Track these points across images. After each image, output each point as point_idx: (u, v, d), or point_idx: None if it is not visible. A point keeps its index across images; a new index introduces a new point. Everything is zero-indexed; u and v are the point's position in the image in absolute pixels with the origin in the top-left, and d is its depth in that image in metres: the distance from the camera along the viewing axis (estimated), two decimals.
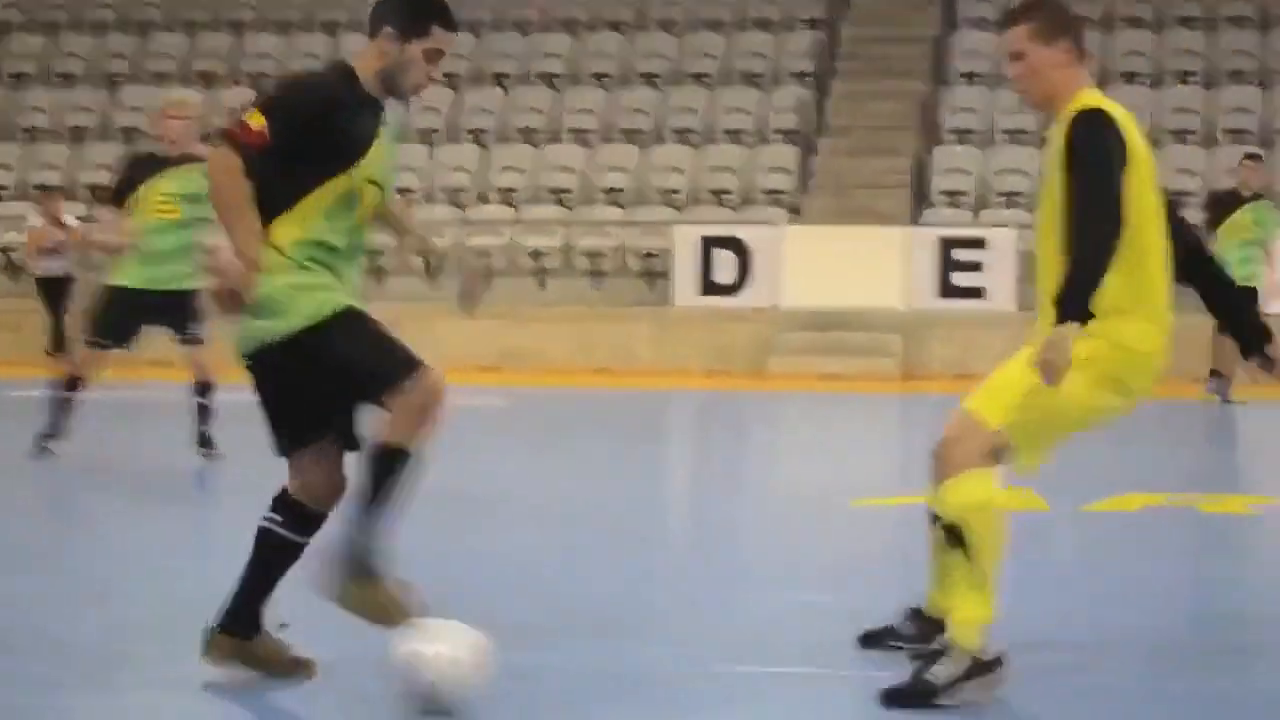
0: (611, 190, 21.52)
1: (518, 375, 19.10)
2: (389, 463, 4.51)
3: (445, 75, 23.02)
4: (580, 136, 21.94)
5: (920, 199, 21.30)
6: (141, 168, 9.74)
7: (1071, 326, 4.61)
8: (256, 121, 4.37)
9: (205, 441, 9.81)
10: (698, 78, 23.22)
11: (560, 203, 21.40)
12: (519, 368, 19.36)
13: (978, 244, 19.50)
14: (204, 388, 9.67)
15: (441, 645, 4.44)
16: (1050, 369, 4.57)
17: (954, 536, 4.79)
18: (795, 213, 21.15)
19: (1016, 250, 19.19)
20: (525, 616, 6.20)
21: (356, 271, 4.75)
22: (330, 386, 4.58)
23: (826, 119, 22.43)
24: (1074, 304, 4.68)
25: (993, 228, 20.14)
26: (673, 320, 20.11)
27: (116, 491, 10.65)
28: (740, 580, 7.71)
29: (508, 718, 4.78)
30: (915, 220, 20.71)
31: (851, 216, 20.81)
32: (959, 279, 19.28)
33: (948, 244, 19.43)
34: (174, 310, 9.66)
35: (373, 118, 4.55)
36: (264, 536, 4.70)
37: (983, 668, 4.72)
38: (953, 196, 21.06)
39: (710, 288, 19.92)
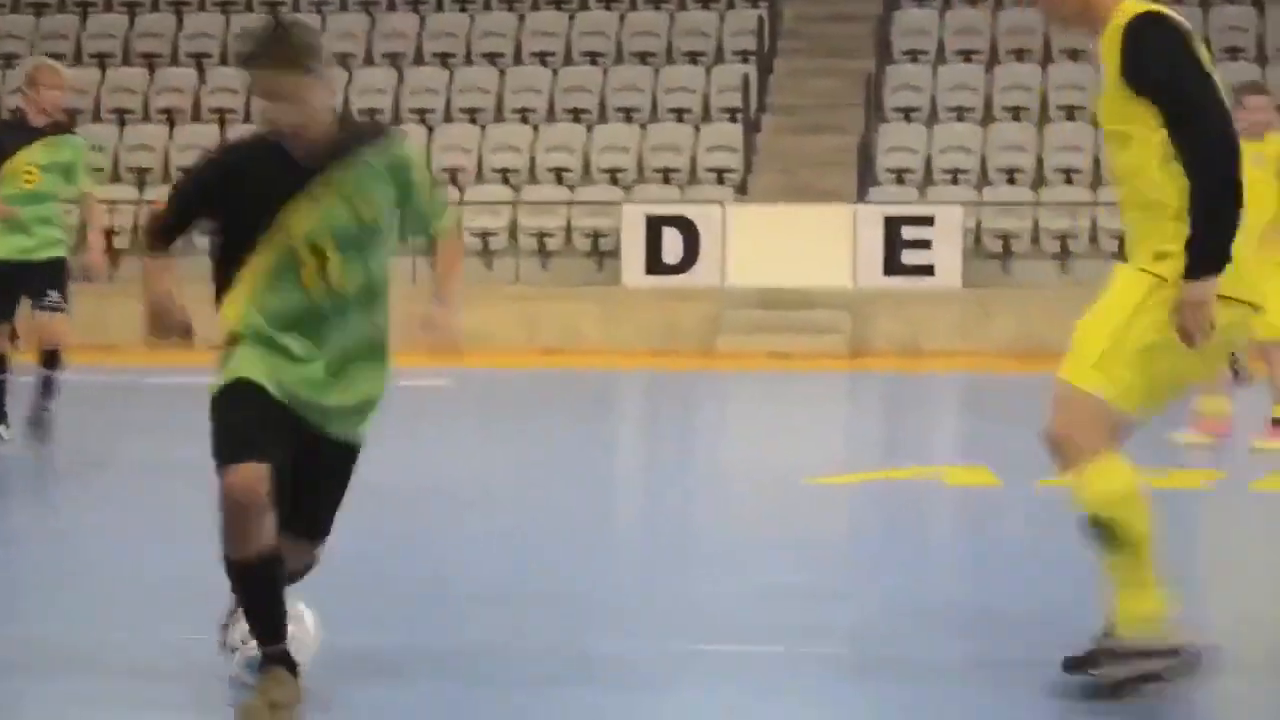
0: (557, 170, 21.44)
1: (466, 356, 18.86)
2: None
3: (388, 55, 23.34)
4: (525, 115, 22.02)
5: (866, 177, 21.37)
6: (11, 137, 9.59)
7: (1209, 282, 4.14)
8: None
9: (39, 420, 9.49)
10: (641, 56, 23.34)
11: (506, 182, 21.37)
12: (466, 349, 18.96)
13: (925, 221, 19.73)
14: (52, 358, 9.47)
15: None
16: (1192, 334, 4.14)
17: (1102, 533, 4.40)
18: (741, 191, 21.42)
19: (963, 227, 19.98)
20: (482, 600, 6.21)
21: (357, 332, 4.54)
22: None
23: (771, 97, 22.42)
24: (1209, 252, 4.20)
25: (939, 204, 20.36)
26: (620, 300, 20.36)
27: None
28: (699, 561, 7.71)
29: (480, 698, 4.78)
30: (861, 198, 20.81)
31: (797, 195, 21.07)
32: (907, 256, 19.48)
33: (894, 222, 19.64)
34: (37, 278, 9.57)
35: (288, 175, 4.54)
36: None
37: (1168, 654, 4.36)
38: (899, 174, 21.32)
39: (657, 267, 20.13)
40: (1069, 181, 20.93)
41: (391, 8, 24.62)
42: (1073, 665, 4.62)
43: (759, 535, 8.74)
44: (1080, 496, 4.30)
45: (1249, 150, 5.96)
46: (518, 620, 5.93)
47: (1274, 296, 6.55)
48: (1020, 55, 22.52)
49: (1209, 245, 4.11)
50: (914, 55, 23.04)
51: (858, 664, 5.38)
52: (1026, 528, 9.01)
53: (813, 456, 12.36)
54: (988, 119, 21.87)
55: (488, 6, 24.09)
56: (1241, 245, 4.22)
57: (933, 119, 22.02)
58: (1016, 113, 21.80)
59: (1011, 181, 20.99)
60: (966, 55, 23.17)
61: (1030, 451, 8.96)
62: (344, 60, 22.99)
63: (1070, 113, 21.40)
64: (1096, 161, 20.11)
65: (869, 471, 11.40)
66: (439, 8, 24.08)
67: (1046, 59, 22.29)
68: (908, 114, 22.28)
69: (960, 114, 21.66)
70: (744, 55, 23.16)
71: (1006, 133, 21.63)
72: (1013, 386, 17.14)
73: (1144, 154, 4.26)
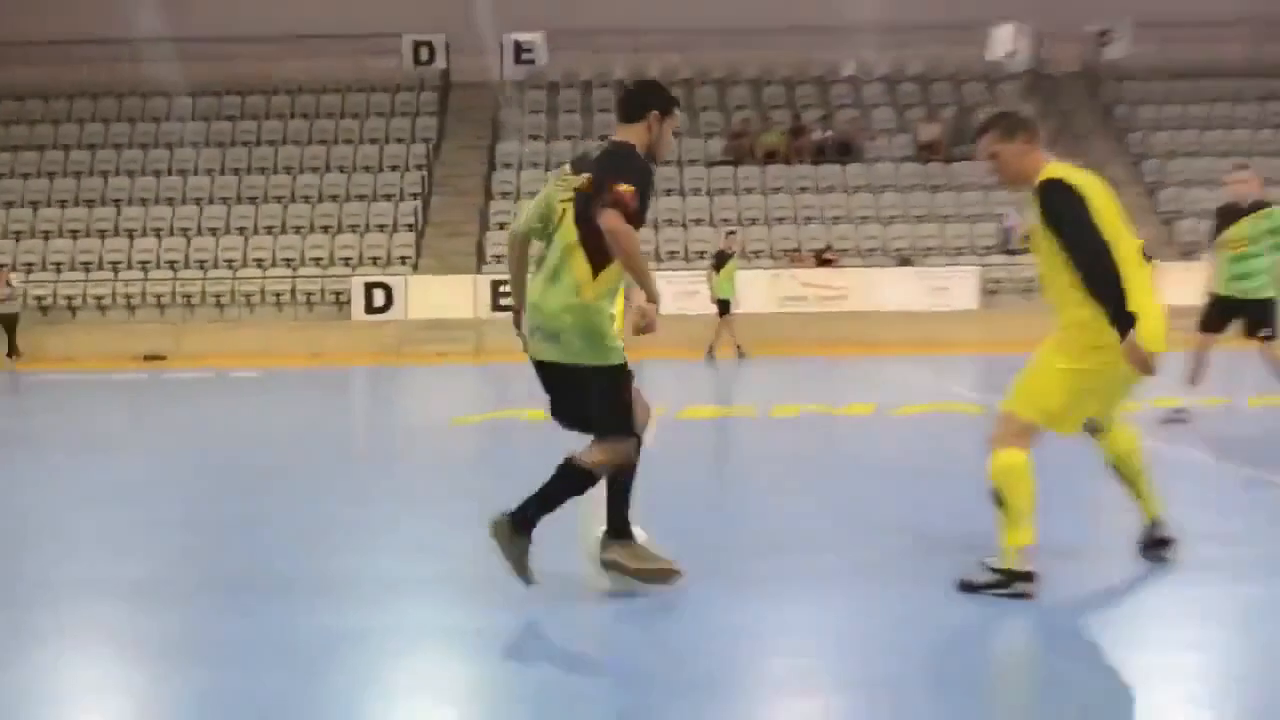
0: (315, 258, 29.82)
1: (268, 360, 24.98)
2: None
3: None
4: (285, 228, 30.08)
5: (481, 259, 29.81)
6: None
7: (1132, 334, 5.48)
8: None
9: None
10: (333, 198, 31.42)
11: (288, 264, 29.37)
12: (268, 357, 25.85)
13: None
14: None
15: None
16: (1143, 366, 5.53)
17: (993, 496, 5.78)
18: (415, 269, 29.81)
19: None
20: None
21: None
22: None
23: (431, 215, 31.21)
24: (1122, 319, 5.48)
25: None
26: (352, 326, 28.45)
27: None
28: (390, 498, 9.33)
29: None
30: (479, 271, 29.07)
31: (445, 270, 29.48)
32: (501, 301, 26.78)
33: (496, 283, 27.68)
34: None
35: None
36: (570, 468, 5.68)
37: (1023, 577, 5.73)
38: (497, 258, 28.95)
39: (372, 310, 28.53)
40: None
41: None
42: (963, 586, 5.91)
43: (425, 465, 11.64)
44: (989, 471, 5.83)
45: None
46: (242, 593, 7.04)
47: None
48: None
49: (1119, 315, 5.53)
50: (518, 192, 31.19)
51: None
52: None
53: (454, 407, 16.61)
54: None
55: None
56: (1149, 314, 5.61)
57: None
58: None
59: None
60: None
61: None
62: None
63: None
64: None
65: (494, 412, 15.85)
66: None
67: None
68: (506, 226, 29.64)
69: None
70: (415, 195, 31.59)
71: None
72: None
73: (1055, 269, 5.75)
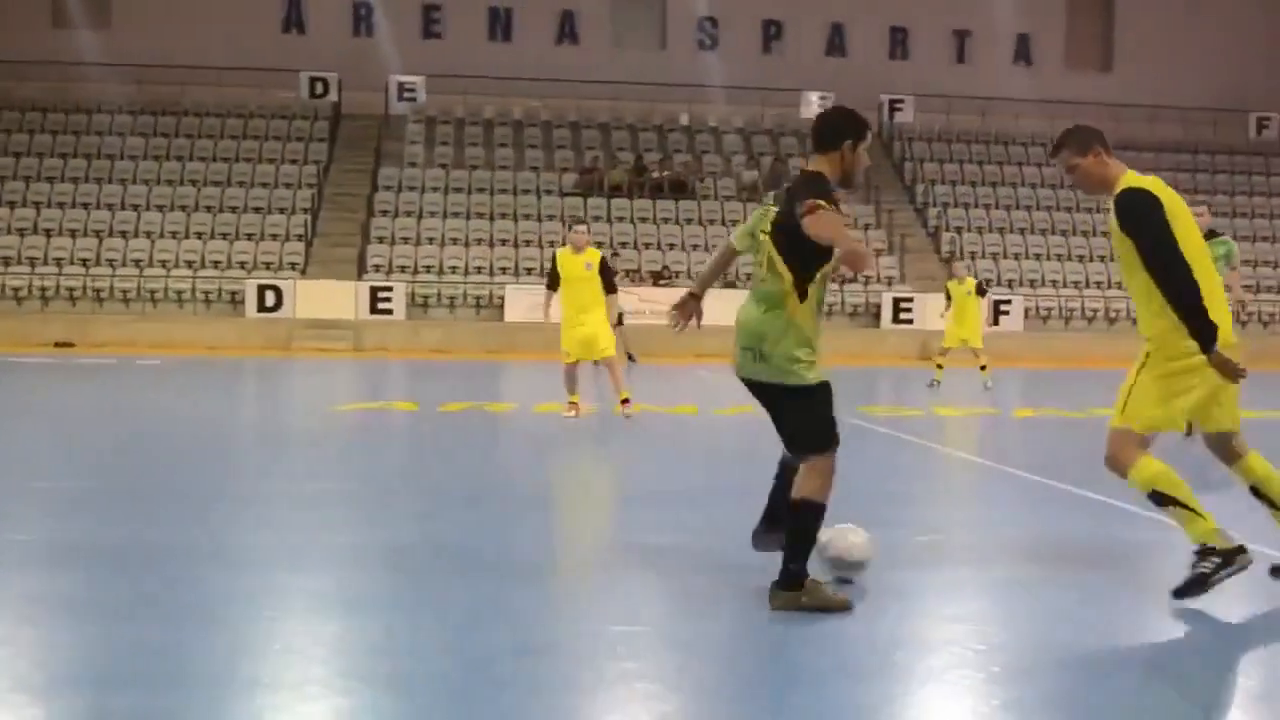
0: (215, 262, 29.34)
1: (169, 350, 24.88)
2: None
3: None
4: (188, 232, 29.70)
5: (362, 268, 29.71)
6: None
7: (1216, 349, 5.03)
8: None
9: None
10: (233, 209, 30.86)
11: (190, 266, 28.89)
12: (169, 347, 25.60)
13: (388, 289, 28.45)
14: None
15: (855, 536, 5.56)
16: (1232, 374, 5.09)
17: (1155, 499, 5.28)
18: (304, 273, 29.42)
19: (406, 293, 28.40)
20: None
21: None
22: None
23: (319, 225, 31.07)
24: (1205, 331, 5.04)
25: (396, 280, 28.72)
26: (247, 323, 28.07)
27: None
28: (273, 474, 9.54)
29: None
30: (360, 278, 29.09)
31: (331, 275, 29.38)
32: (379, 305, 28.26)
33: (375, 290, 28.45)
34: None
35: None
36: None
37: (1238, 550, 5.21)
38: (376, 267, 29.67)
39: (264, 309, 28.17)
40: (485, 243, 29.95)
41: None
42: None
43: (316, 448, 12.04)
44: (1134, 484, 5.34)
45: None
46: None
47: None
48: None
49: (1202, 329, 5.06)
50: (396, 210, 31.40)
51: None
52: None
53: (335, 396, 16.74)
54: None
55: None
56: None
57: (411, 238, 30.18)
58: None
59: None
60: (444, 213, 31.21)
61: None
62: None
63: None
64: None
65: (373, 401, 16.07)
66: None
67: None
68: (384, 240, 30.36)
69: (391, 268, 29.94)
70: (306, 210, 31.19)
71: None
72: (443, 369, 23.24)
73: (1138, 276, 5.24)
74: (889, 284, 31.09)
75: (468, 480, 9.18)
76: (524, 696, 4.17)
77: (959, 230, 33.33)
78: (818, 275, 5.12)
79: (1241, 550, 5.21)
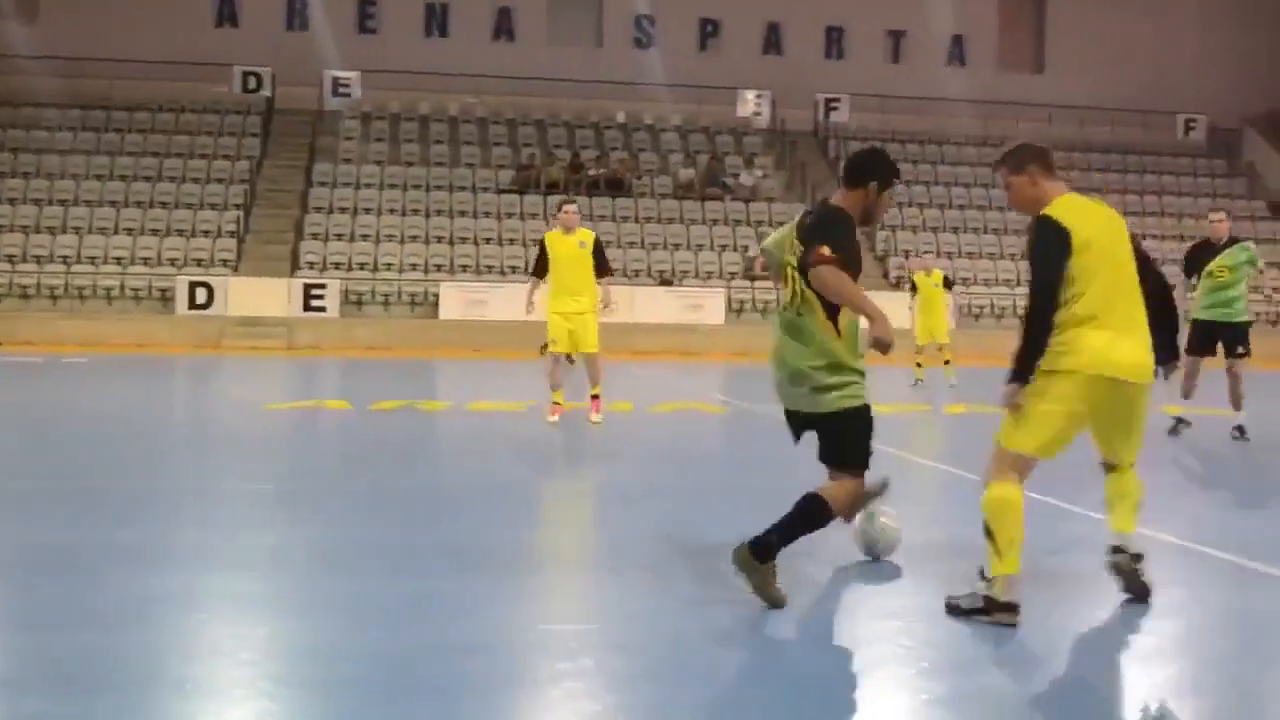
0: (145, 258, 28.90)
1: (97, 348, 24.61)
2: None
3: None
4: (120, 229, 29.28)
5: (296, 265, 29.31)
6: None
7: (1013, 384, 5.11)
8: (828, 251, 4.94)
9: None
10: (164, 205, 30.35)
11: (118, 262, 28.46)
12: (97, 345, 25.31)
13: (320, 286, 28.24)
14: None
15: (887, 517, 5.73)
16: (1009, 407, 5.17)
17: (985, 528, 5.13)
18: (235, 271, 28.99)
19: (340, 291, 28.09)
20: None
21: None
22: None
23: (251, 223, 30.69)
24: (1018, 363, 5.11)
25: (329, 278, 28.22)
26: (178, 321, 27.69)
27: None
28: (202, 474, 9.50)
29: None
30: (293, 275, 28.68)
31: (263, 273, 28.89)
32: (312, 302, 27.92)
33: (309, 287, 28.13)
34: None
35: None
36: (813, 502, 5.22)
37: (1006, 608, 5.04)
38: (311, 264, 29.32)
39: (194, 306, 27.86)
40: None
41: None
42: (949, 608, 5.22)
43: (255, 445, 11.64)
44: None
45: None
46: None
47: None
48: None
49: (1021, 362, 5.10)
50: (331, 207, 30.90)
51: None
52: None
53: (266, 395, 16.28)
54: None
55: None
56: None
57: (347, 235, 29.82)
58: None
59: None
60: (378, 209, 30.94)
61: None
62: None
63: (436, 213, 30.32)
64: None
65: (307, 400, 15.82)
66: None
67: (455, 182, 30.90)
68: (318, 236, 30.18)
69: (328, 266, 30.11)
70: (236, 207, 30.85)
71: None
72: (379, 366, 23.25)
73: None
74: None
75: (398, 479, 9.11)
76: (455, 697, 4.13)
77: (893, 229, 33.54)
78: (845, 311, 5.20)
79: (1011, 610, 5.06)
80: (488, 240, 31.32)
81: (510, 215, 32.08)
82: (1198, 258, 12.40)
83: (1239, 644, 5.13)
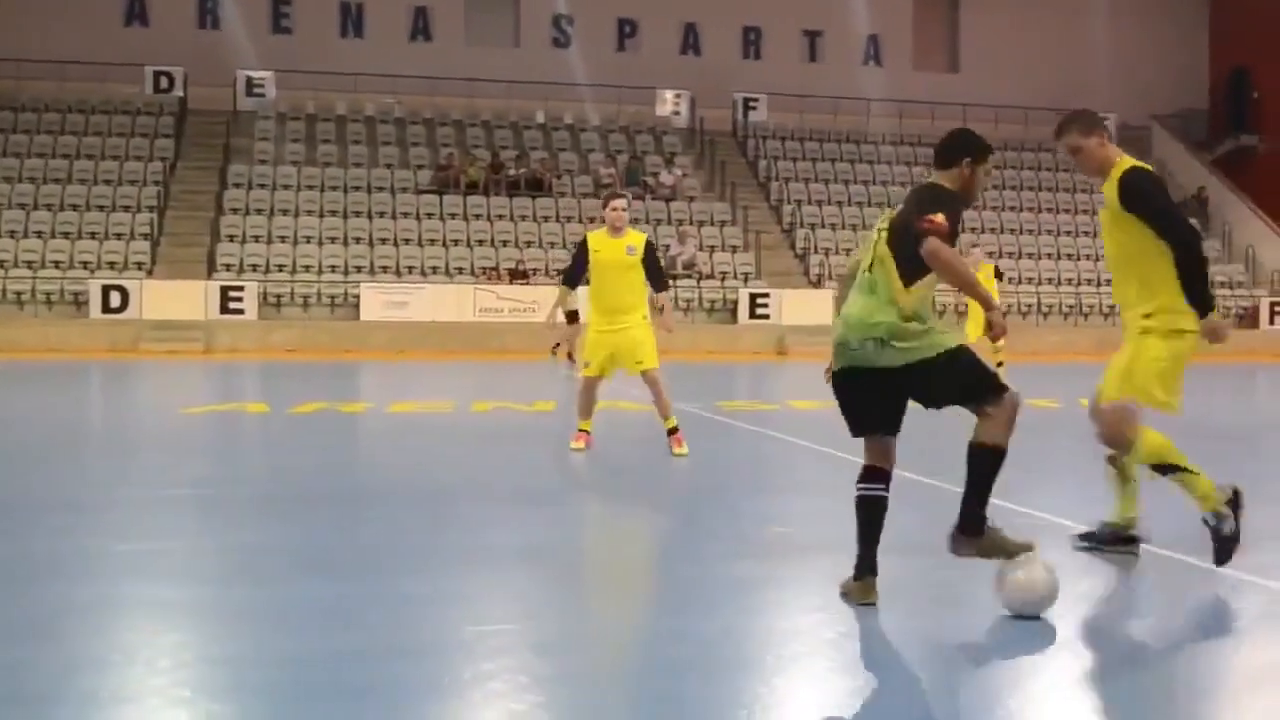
0: (55, 261, 28.39)
1: (8, 354, 24.17)
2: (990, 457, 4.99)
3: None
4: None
5: (212, 268, 29.06)
6: None
7: (1213, 313, 5.44)
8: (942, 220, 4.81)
9: None
10: (75, 207, 29.97)
11: (45, 265, 27.86)
12: (8, 350, 24.74)
13: (239, 289, 27.82)
14: None
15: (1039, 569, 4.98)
16: (1223, 337, 5.44)
17: (1159, 469, 5.45)
18: (150, 274, 28.70)
19: (258, 293, 27.81)
20: None
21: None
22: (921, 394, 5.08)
23: (165, 227, 30.33)
24: (1209, 298, 5.48)
25: (247, 280, 27.89)
26: (92, 325, 26.97)
27: None
28: (117, 479, 9.29)
29: None
30: (210, 277, 28.42)
31: (178, 274, 28.76)
32: (230, 305, 27.63)
33: (226, 289, 27.80)
34: None
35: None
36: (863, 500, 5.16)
37: (1235, 505, 5.51)
38: (227, 265, 29.11)
39: (109, 310, 27.44)
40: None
41: None
42: (1084, 537, 5.93)
43: (177, 448, 11.61)
44: (1136, 458, 5.53)
45: None
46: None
47: None
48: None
49: (1203, 295, 5.44)
50: (247, 208, 30.60)
51: None
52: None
53: (182, 398, 16.50)
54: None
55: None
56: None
57: (261, 237, 29.48)
58: None
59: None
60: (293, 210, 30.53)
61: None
62: None
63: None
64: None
65: (224, 403, 15.64)
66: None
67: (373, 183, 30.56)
68: (235, 238, 29.85)
69: (244, 267, 29.19)
70: (152, 208, 30.43)
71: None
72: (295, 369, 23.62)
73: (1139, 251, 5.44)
74: (745, 280, 31.39)
75: (317, 482, 8.98)
76: (377, 701, 4.06)
77: (813, 227, 33.86)
78: (925, 280, 5.04)
79: (1237, 492, 5.60)
80: (408, 241, 31.16)
81: (430, 215, 31.95)
82: None
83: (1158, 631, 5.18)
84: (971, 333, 17.83)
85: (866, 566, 5.16)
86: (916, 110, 36.33)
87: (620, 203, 10.14)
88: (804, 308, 30.03)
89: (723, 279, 31.13)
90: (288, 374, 20.77)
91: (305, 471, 9.57)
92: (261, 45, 34.41)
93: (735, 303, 30.40)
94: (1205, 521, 5.61)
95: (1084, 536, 6.18)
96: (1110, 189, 5.56)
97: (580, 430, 10.28)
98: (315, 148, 33.93)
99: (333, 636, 4.79)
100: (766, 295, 30.36)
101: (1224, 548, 5.58)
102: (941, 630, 5.03)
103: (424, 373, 21.42)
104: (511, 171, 33.53)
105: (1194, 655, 4.80)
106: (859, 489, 5.22)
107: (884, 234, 5.22)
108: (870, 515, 5.18)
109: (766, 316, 30.04)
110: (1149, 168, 5.59)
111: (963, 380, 5.08)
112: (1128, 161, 5.56)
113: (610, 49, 37.01)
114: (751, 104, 36.54)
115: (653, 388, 9.99)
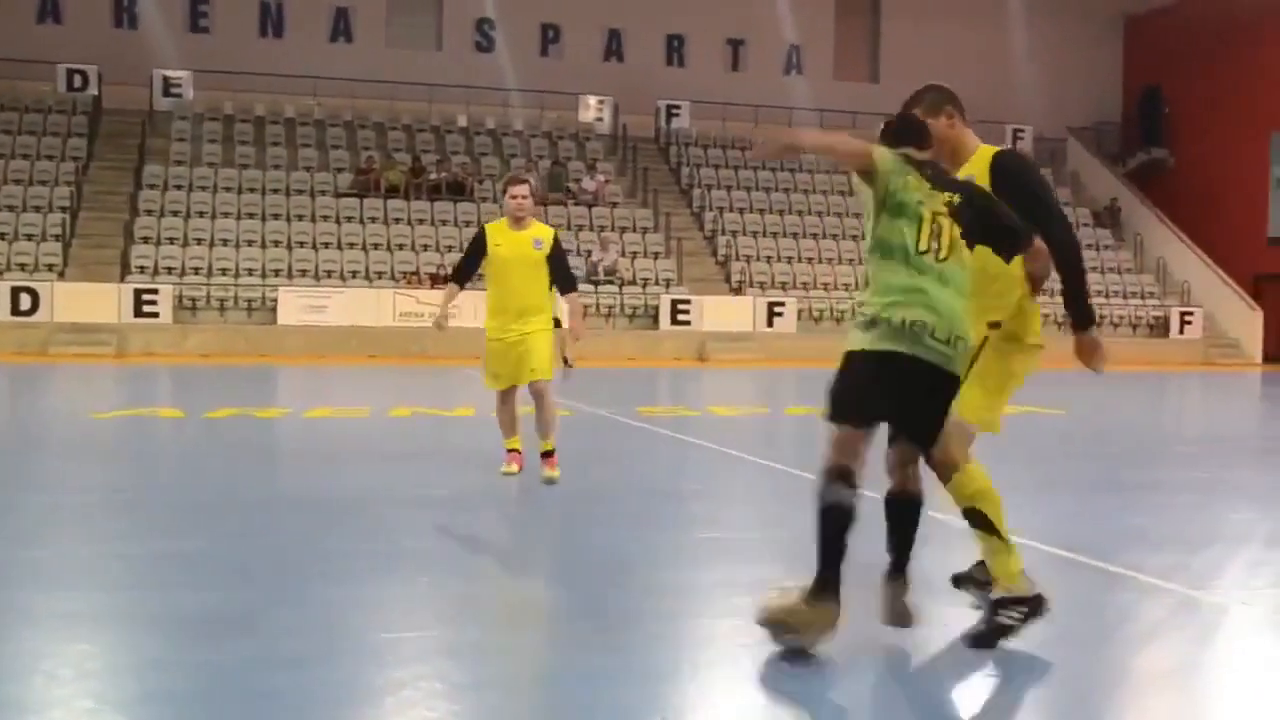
0: None
1: (67, 356, 24.72)
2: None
3: None
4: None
5: (126, 270, 28.46)
6: None
7: (1093, 327, 4.72)
8: None
9: None
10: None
11: None
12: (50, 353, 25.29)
13: (153, 291, 27.27)
14: None
15: None
16: (1101, 362, 4.76)
17: (970, 517, 4.61)
18: (61, 277, 28.15)
19: (173, 296, 27.33)
20: None
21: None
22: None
23: (79, 228, 29.79)
24: (1088, 307, 4.74)
25: (161, 283, 27.48)
26: (0, 328, 26.47)
27: None
28: (20, 484, 9.36)
29: None
30: (123, 281, 27.85)
31: (91, 277, 28.22)
32: (145, 308, 27.09)
33: (139, 292, 27.25)
34: None
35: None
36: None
37: (1038, 601, 4.62)
38: (141, 268, 28.52)
39: (18, 312, 26.68)
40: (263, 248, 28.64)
41: None
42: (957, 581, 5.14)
43: (81, 451, 11.59)
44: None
45: None
46: None
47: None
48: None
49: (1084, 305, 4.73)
50: (162, 210, 30.18)
51: None
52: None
53: (94, 403, 16.63)
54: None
55: None
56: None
57: (177, 239, 29.06)
58: None
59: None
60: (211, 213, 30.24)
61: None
62: None
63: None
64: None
65: (137, 408, 15.40)
66: None
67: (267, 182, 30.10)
68: (149, 240, 29.42)
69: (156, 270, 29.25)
70: (64, 209, 29.82)
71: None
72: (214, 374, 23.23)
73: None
74: (667, 286, 31.50)
75: (230, 488, 8.87)
76: (286, 709, 4.01)
77: (734, 234, 34.04)
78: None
79: (1041, 599, 4.71)
80: (327, 245, 30.89)
81: (349, 219, 31.68)
82: None
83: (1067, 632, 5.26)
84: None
85: (833, 589, 4.55)
86: (837, 119, 36.53)
87: (522, 189, 8.90)
88: (724, 314, 30.26)
89: (644, 285, 31.21)
90: (203, 378, 20.51)
91: (218, 477, 9.45)
92: (179, 44, 33.92)
93: (656, 309, 30.45)
94: (991, 600, 4.73)
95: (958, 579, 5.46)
96: (974, 171, 4.87)
97: (509, 450, 9.12)
98: (233, 149, 33.50)
99: (241, 643, 4.73)
100: (688, 302, 30.49)
101: (991, 635, 4.69)
102: (853, 635, 5.04)
103: (342, 378, 21.28)
104: (432, 175, 33.34)
105: (1097, 659, 4.84)
106: (831, 496, 4.52)
107: (948, 222, 4.67)
108: (843, 527, 4.51)
109: (688, 323, 30.16)
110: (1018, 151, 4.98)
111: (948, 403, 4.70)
112: (995, 148, 4.95)
113: (534, 54, 36.98)
114: (674, 111, 36.67)
115: (539, 400, 8.86)
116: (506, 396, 9.08)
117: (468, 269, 9.25)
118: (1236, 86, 36.72)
